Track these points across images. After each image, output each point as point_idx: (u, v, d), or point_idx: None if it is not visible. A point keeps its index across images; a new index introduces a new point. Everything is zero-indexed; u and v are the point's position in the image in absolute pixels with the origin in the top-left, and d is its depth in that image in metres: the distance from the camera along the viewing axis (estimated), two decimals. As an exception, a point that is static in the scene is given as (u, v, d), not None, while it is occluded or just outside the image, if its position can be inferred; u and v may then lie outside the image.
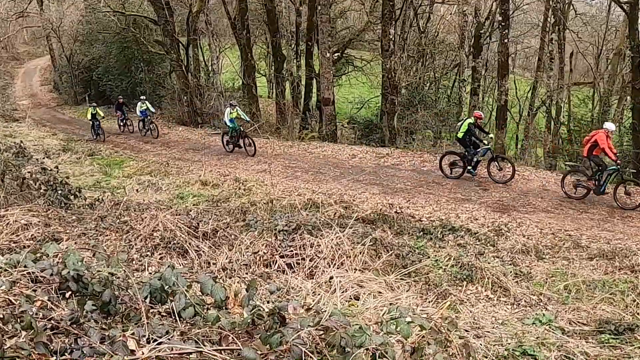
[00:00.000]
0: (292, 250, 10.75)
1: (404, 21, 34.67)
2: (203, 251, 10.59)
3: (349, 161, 24.18)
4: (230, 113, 26.27)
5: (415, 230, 14.64)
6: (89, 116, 33.70)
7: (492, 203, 17.99)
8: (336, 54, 35.93)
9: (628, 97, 30.50)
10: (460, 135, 20.19)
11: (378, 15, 32.88)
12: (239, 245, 10.86)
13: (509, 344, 7.92)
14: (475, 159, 20.15)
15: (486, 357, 7.39)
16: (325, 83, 29.82)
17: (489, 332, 8.44)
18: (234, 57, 42.27)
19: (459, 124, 20.60)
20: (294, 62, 36.72)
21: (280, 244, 10.90)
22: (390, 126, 28.88)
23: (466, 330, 8.12)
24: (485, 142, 20.18)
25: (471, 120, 20.14)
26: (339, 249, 10.80)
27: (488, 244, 14.10)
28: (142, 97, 34.24)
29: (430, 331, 4.84)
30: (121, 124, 35.92)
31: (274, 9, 33.58)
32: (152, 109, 33.79)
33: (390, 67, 28.80)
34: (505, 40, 25.73)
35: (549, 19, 32.10)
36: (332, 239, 11.03)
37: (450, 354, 5.17)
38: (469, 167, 20.25)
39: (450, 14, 42.18)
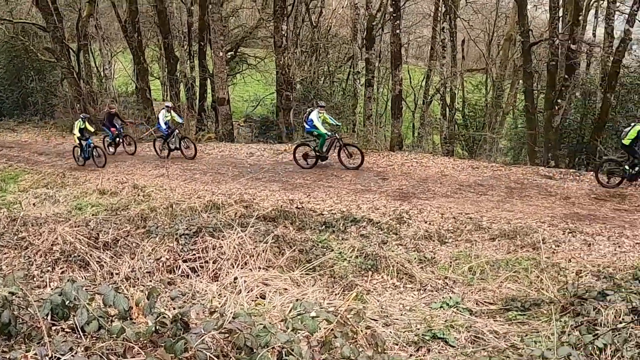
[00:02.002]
0: (194, 254, 10.70)
1: (296, 16, 34.91)
2: (105, 262, 10.46)
3: (247, 160, 24.18)
4: (319, 117, 21.82)
5: (317, 224, 14.62)
6: (77, 132, 25.27)
7: (392, 192, 18.19)
8: (229, 53, 35.90)
9: (520, 81, 31.49)
10: (627, 142, 18.36)
11: (270, 12, 33.01)
12: (141, 252, 10.75)
13: (419, 329, 8.00)
14: (637, 169, 18.24)
15: (397, 344, 7.42)
16: (220, 83, 29.77)
17: (397, 319, 8.51)
18: (126, 61, 41.64)
19: (627, 129, 18.62)
20: (188, 63, 36.39)
21: (182, 249, 10.83)
22: (287, 122, 29.01)
23: (374, 320, 8.16)
24: None
25: None
26: (241, 249, 10.80)
27: (391, 233, 14.22)
28: (166, 104, 26.90)
29: (337, 324, 4.92)
30: (110, 142, 27.56)
31: (164, 10, 33.08)
32: (179, 120, 26.38)
33: (284, 63, 28.91)
34: (397, 31, 26.07)
35: (440, 9, 32.73)
36: (235, 239, 11.02)
37: (359, 344, 5.28)
38: (632, 171, 18.24)
39: (342, 7, 42.52)
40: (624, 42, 23.70)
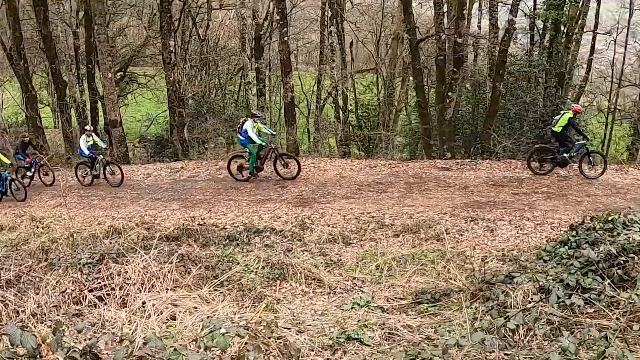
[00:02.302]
0: (100, 282, 10.51)
1: (184, 31, 34.87)
2: (9, 300, 10.20)
3: (144, 181, 23.83)
4: (253, 127, 20.63)
5: (221, 238, 14.58)
6: None
7: (292, 199, 18.30)
8: (118, 73, 35.56)
9: (410, 78, 32.13)
10: (557, 129, 19.14)
11: (157, 29, 32.78)
12: (45, 286, 10.53)
13: (332, 332, 8.04)
14: (568, 154, 19.04)
15: (312, 350, 7.43)
16: (110, 105, 29.34)
17: (310, 325, 8.52)
18: (14, 90, 40.66)
19: (557, 118, 19.35)
20: (77, 87, 35.83)
21: (87, 278, 10.63)
22: (181, 139, 28.86)
23: (287, 328, 8.14)
24: (588, 136, 18.95)
25: (570, 114, 18.93)
26: (147, 272, 10.67)
27: (295, 240, 14.30)
28: (86, 128, 24.48)
29: (249, 338, 5.00)
30: (28, 174, 25.02)
31: (50, 34, 32.28)
32: (101, 144, 24.25)
33: (174, 79, 28.77)
34: (285, 39, 26.29)
35: (326, 13, 33.13)
36: (139, 263, 10.89)
37: (273, 355, 5.37)
38: (563, 157, 19.06)
39: (229, 18, 42.46)
40: (509, 32, 24.49)
